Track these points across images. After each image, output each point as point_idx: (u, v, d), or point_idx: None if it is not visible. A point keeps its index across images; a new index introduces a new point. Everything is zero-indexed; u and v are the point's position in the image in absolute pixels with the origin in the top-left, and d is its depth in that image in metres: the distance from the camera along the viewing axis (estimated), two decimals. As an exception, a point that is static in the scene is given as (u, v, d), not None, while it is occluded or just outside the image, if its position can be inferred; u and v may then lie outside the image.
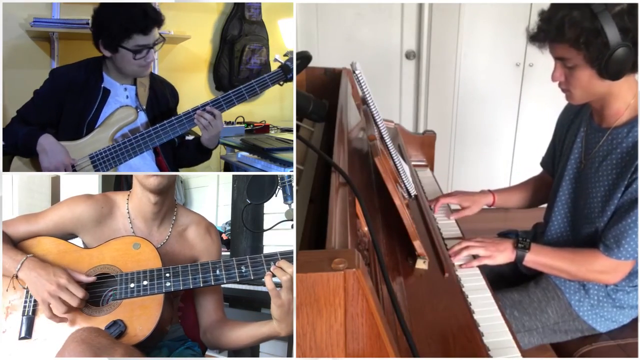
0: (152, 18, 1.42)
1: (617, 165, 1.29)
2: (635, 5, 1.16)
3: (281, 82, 1.51)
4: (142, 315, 1.09)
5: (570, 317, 1.39)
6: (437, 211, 1.69)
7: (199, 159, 1.63)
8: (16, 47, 2.05)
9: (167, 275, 1.11)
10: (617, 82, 1.23)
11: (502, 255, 1.36)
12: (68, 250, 1.15)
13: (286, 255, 1.10)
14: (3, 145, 1.45)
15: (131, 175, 1.25)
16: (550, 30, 1.21)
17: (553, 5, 1.23)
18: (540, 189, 1.71)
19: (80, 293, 1.07)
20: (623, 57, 1.17)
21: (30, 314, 1.11)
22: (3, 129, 1.46)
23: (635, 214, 1.23)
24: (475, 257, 1.38)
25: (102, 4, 1.44)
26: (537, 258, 1.35)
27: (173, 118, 1.46)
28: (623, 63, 1.18)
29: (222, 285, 1.22)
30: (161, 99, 1.58)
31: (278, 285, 1.05)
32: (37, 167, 1.42)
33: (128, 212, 1.22)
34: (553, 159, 1.61)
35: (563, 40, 1.20)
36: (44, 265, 1.09)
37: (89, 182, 2.20)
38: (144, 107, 1.53)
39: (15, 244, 1.15)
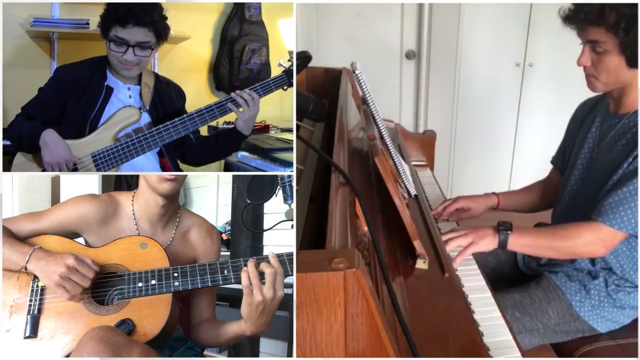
0: (134, 14, 1.40)
1: (627, 145, 1.30)
2: None
3: (285, 87, 1.51)
4: (150, 315, 1.09)
5: (571, 317, 1.39)
6: (442, 220, 1.67)
7: (232, 147, 1.62)
8: (16, 47, 2.05)
9: (176, 275, 1.12)
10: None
11: (484, 240, 1.33)
12: (73, 249, 1.15)
13: (289, 257, 1.11)
14: (7, 140, 1.46)
15: (132, 176, 1.25)
16: (590, 12, 1.22)
17: None
18: (547, 193, 1.71)
19: (90, 273, 1.07)
20: None
21: (35, 312, 1.10)
22: (7, 125, 1.47)
23: (635, 184, 1.23)
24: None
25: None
26: (520, 239, 1.32)
27: (176, 119, 1.46)
28: None
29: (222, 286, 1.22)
30: (166, 100, 1.57)
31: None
32: (40, 163, 1.42)
33: (133, 213, 1.22)
34: (564, 156, 1.61)
35: (602, 23, 1.21)
36: (51, 253, 1.10)
37: (89, 182, 2.20)
38: (148, 108, 1.53)
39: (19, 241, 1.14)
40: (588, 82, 1.34)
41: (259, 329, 1.08)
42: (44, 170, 1.42)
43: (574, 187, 1.47)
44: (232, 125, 1.54)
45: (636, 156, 1.25)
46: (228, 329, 1.15)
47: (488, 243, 1.34)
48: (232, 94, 1.46)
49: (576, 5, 1.26)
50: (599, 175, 1.36)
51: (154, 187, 1.18)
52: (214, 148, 1.61)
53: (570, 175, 1.47)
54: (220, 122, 2.17)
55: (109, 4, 1.43)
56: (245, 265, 1.08)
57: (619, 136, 1.34)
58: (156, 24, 1.44)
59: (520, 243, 1.33)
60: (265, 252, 1.22)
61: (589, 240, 1.28)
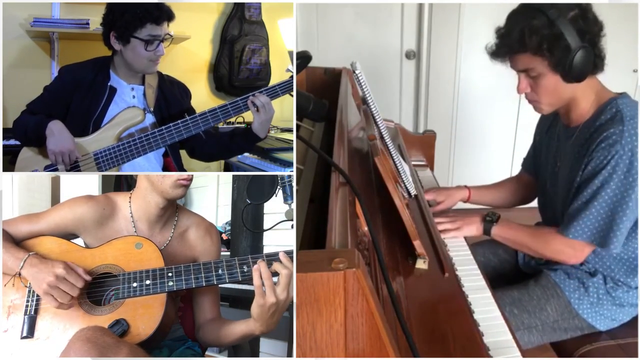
0: (165, 11, 1.46)
1: (580, 156, 1.32)
2: (586, 9, 1.22)
3: (292, 93, 1.50)
4: (145, 315, 1.09)
5: (570, 315, 1.40)
6: None
7: (244, 147, 1.62)
8: (16, 47, 2.05)
9: (170, 274, 1.11)
10: (580, 85, 1.27)
11: (469, 227, 1.48)
12: (70, 250, 1.15)
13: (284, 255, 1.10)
14: (13, 135, 1.48)
15: (131, 176, 1.25)
16: (512, 44, 1.25)
17: (509, 19, 1.28)
18: (517, 191, 1.76)
19: (79, 282, 1.07)
20: (585, 58, 1.21)
21: (32, 313, 1.11)
22: (13, 122, 1.48)
23: (588, 195, 1.26)
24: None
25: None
26: (503, 231, 1.44)
27: (179, 122, 1.45)
28: (585, 64, 1.22)
29: (223, 285, 1.21)
30: (170, 99, 1.57)
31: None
32: (46, 155, 1.43)
33: (131, 214, 1.22)
34: (534, 162, 1.66)
35: (525, 50, 1.23)
36: (44, 260, 1.10)
37: (89, 182, 2.20)
38: (152, 108, 1.53)
39: (17, 243, 1.15)
40: (534, 108, 1.37)
41: (269, 328, 1.08)
42: (49, 165, 1.43)
43: (550, 200, 1.50)
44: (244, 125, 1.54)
45: (586, 165, 1.27)
46: (235, 328, 1.14)
47: (472, 229, 1.48)
48: (250, 97, 1.46)
49: (498, 39, 1.29)
50: (562, 187, 1.41)
51: (164, 191, 1.18)
52: (227, 146, 1.60)
53: (546, 188, 1.51)
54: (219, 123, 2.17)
55: (129, 10, 1.43)
56: (255, 263, 1.08)
57: (572, 149, 1.36)
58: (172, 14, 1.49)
59: (502, 235, 1.45)
60: (265, 252, 1.21)
61: (558, 248, 1.35)
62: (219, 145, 1.60)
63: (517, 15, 1.26)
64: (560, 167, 1.43)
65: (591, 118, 1.32)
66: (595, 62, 1.24)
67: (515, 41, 1.24)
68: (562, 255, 1.35)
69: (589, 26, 1.22)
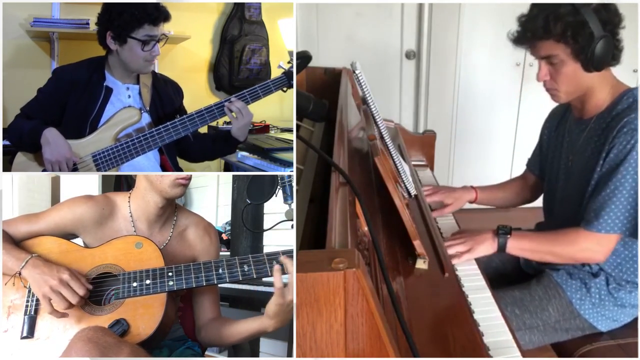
0: (162, 12, 1.47)
1: (597, 147, 1.32)
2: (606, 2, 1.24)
3: (284, 89, 1.51)
4: (145, 314, 1.09)
5: (572, 315, 1.39)
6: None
7: (226, 151, 1.64)
8: (16, 47, 2.06)
9: (170, 274, 1.11)
10: (597, 75, 1.28)
11: (482, 246, 1.37)
12: (70, 250, 1.15)
13: (288, 254, 1.10)
14: (8, 141, 1.47)
15: (131, 176, 1.24)
16: (536, 29, 1.26)
17: (534, 5, 1.28)
18: (522, 191, 1.75)
19: (81, 290, 1.07)
20: (606, 47, 1.23)
21: (32, 313, 1.11)
22: (7, 126, 1.47)
23: (613, 184, 1.25)
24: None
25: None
26: (519, 243, 1.35)
27: (176, 120, 1.46)
28: (606, 53, 1.24)
29: (222, 285, 1.21)
30: (165, 98, 1.57)
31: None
32: (41, 162, 1.42)
33: (131, 214, 1.22)
34: (540, 161, 1.65)
35: (550, 36, 1.25)
36: (48, 263, 1.10)
37: (89, 182, 2.20)
38: (147, 108, 1.53)
39: (16, 243, 1.15)
40: (551, 96, 1.37)
41: (283, 324, 1.08)
42: (44, 169, 1.42)
43: (561, 196, 1.49)
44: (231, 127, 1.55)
45: (607, 155, 1.27)
46: (242, 327, 1.14)
47: (487, 248, 1.37)
48: (226, 104, 1.47)
49: (521, 25, 1.30)
50: (577, 181, 1.39)
51: (163, 190, 1.18)
52: (210, 149, 1.63)
53: (557, 185, 1.50)
54: (220, 122, 2.17)
55: (127, 10, 1.43)
56: (255, 262, 1.08)
57: (587, 140, 1.36)
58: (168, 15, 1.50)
59: (519, 247, 1.36)
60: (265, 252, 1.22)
61: (585, 246, 1.30)
62: (202, 148, 1.62)
63: (541, 3, 1.27)
64: (573, 162, 1.42)
65: (607, 109, 1.33)
66: (614, 53, 1.26)
67: (539, 27, 1.25)
68: (589, 253, 1.30)
69: (610, 16, 1.24)
